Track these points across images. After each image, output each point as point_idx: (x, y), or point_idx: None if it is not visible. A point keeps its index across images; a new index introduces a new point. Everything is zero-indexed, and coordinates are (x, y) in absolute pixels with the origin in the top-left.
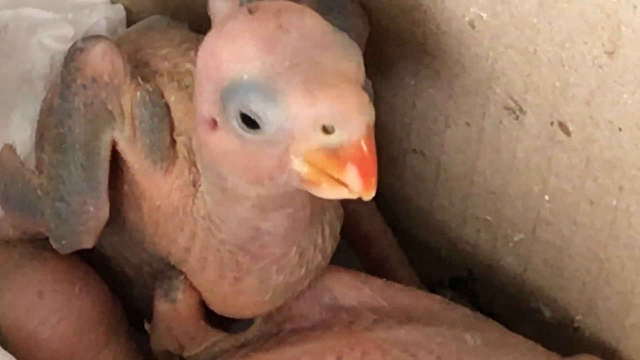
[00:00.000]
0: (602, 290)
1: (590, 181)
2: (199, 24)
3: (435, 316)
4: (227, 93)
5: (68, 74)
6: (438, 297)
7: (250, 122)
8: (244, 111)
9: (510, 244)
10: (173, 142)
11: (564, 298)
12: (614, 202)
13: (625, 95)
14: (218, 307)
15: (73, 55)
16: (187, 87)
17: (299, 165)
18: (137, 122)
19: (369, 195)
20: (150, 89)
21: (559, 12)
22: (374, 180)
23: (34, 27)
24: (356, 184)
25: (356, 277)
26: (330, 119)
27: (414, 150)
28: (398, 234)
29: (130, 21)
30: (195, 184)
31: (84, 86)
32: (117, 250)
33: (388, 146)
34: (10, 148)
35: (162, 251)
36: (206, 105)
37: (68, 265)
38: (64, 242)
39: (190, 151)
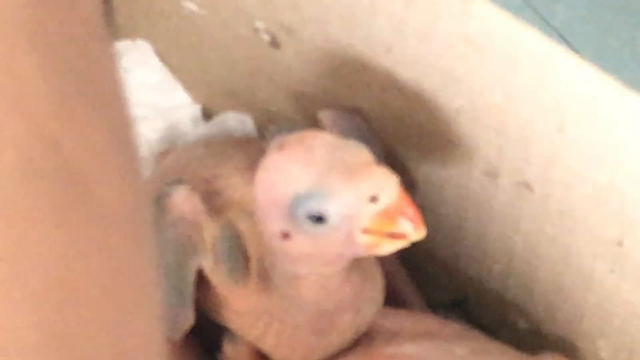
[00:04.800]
0: (561, 305)
1: (549, 225)
2: (264, 118)
3: (433, 333)
4: (294, 207)
5: (159, 212)
6: (434, 317)
7: (317, 220)
8: (311, 214)
9: (493, 273)
10: (247, 261)
11: (534, 312)
12: (566, 241)
13: (573, 163)
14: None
15: (162, 198)
16: (253, 214)
17: (362, 238)
18: (217, 253)
19: (421, 234)
20: (225, 224)
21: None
22: (421, 222)
23: (137, 121)
24: (410, 229)
25: None
26: (373, 191)
27: (420, 206)
28: (409, 267)
29: (207, 115)
30: (265, 292)
31: (172, 224)
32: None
33: None
34: None
35: (240, 333)
36: (275, 223)
37: None
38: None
39: (261, 266)
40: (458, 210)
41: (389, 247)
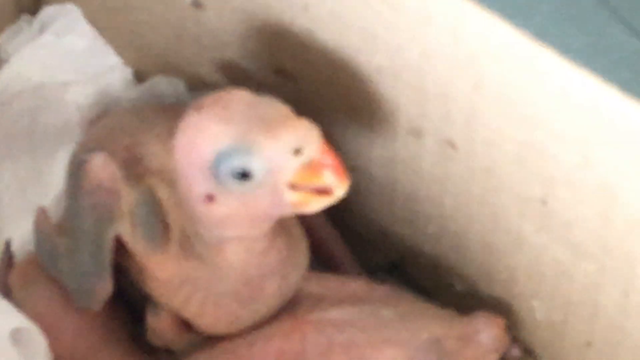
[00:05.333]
0: (494, 266)
1: (476, 185)
2: (195, 81)
3: (360, 297)
4: (216, 166)
5: (76, 180)
6: (362, 281)
7: (242, 177)
8: (235, 171)
9: (426, 235)
10: (166, 229)
11: (469, 274)
12: (492, 201)
13: (492, 120)
14: (199, 328)
15: (78, 166)
16: (173, 182)
17: (289, 195)
18: (135, 220)
19: (345, 186)
20: (144, 191)
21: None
22: (345, 174)
23: (66, 86)
24: (335, 181)
25: None
26: (296, 143)
27: (352, 168)
28: (345, 231)
29: (140, 80)
30: (187, 258)
31: (89, 192)
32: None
33: None
34: (44, 212)
35: (161, 301)
36: (198, 186)
37: None
38: (77, 300)
39: (182, 234)
40: (388, 171)
41: (316, 204)
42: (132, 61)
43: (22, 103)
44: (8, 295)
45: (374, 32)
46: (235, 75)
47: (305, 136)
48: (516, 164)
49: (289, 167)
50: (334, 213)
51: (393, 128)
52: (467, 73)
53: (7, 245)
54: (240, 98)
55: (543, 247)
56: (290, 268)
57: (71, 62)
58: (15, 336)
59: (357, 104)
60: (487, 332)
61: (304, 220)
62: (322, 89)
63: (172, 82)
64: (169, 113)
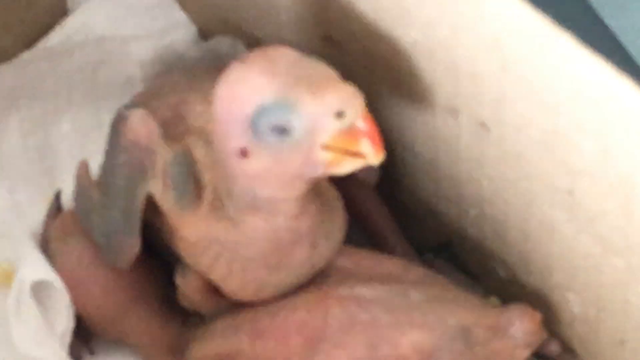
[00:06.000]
0: (531, 255)
1: (509, 169)
2: (253, 43)
3: (392, 277)
4: (256, 119)
5: (113, 136)
6: (397, 261)
7: (281, 132)
8: (276, 125)
9: (470, 218)
10: (199, 189)
11: (509, 261)
12: (526, 187)
13: (519, 104)
14: (226, 292)
15: (118, 121)
16: (212, 142)
17: (323, 154)
18: (167, 179)
19: (379, 157)
20: (180, 151)
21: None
22: (381, 145)
23: (129, 41)
24: (371, 151)
25: None
26: (339, 106)
27: (396, 142)
28: (394, 206)
29: (205, 38)
30: (217, 219)
31: (125, 148)
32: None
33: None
34: (85, 165)
35: (190, 262)
36: (234, 140)
37: None
38: (106, 257)
39: (215, 195)
40: (430, 149)
41: (349, 166)
42: (197, 19)
43: (83, 54)
44: (46, 245)
45: (406, 5)
46: (287, 41)
47: (348, 100)
48: (543, 151)
49: (329, 129)
50: (384, 188)
51: (431, 105)
52: (494, 53)
53: (57, 195)
54: (287, 54)
55: (574, 238)
56: (322, 238)
57: (137, 16)
58: (38, 288)
59: (397, 78)
60: (520, 325)
61: (351, 193)
62: (365, 60)
63: (233, 43)
64: (220, 74)
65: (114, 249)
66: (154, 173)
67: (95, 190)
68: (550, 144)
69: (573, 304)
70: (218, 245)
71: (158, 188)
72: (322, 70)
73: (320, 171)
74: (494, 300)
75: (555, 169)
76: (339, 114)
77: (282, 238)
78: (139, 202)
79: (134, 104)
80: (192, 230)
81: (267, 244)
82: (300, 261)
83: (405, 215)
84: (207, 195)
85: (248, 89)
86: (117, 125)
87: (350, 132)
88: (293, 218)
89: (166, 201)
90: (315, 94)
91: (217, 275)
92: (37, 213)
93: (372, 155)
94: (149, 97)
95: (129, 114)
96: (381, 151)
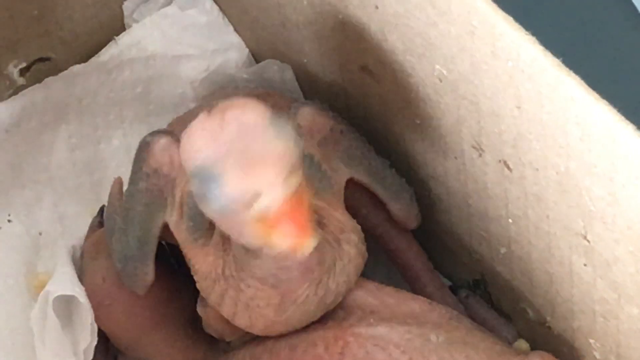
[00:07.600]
0: (555, 297)
1: (530, 210)
2: (300, 69)
3: (414, 316)
4: (191, 176)
5: (137, 161)
6: (422, 300)
7: (202, 199)
8: (196, 190)
9: (500, 256)
10: (213, 224)
11: (536, 302)
12: (546, 229)
13: (535, 144)
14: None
15: (142, 147)
16: None
17: (250, 230)
18: (184, 209)
19: (302, 244)
20: None
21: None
22: (307, 232)
23: (180, 60)
24: (284, 243)
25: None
26: (258, 188)
27: (430, 177)
28: (430, 240)
29: (255, 60)
30: (226, 253)
31: (147, 175)
32: None
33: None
34: (120, 183)
35: (203, 295)
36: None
37: None
38: (124, 281)
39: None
40: (460, 186)
41: (278, 246)
42: (248, 42)
43: (134, 71)
44: (81, 260)
45: (431, 38)
46: (329, 68)
47: (271, 187)
48: (559, 193)
49: (245, 213)
50: (422, 222)
51: (459, 141)
52: (510, 91)
53: (101, 210)
54: (243, 117)
55: (592, 283)
56: (329, 273)
57: (191, 36)
58: (67, 302)
59: (425, 112)
60: None
61: (385, 230)
62: (398, 90)
63: (282, 67)
64: (266, 98)
65: (128, 275)
66: (171, 202)
67: (120, 213)
68: (564, 185)
69: (595, 349)
70: (224, 282)
71: (174, 217)
72: (265, 147)
73: (257, 245)
74: (522, 343)
75: (571, 212)
76: (256, 196)
77: (280, 278)
78: (156, 230)
79: (166, 129)
80: (202, 263)
81: (267, 285)
82: (305, 299)
83: (442, 250)
84: (218, 230)
85: (191, 146)
86: (141, 151)
87: (266, 220)
88: (286, 259)
89: (181, 231)
90: (238, 174)
91: (225, 311)
92: (82, 226)
93: (285, 246)
94: (180, 121)
95: (152, 141)
96: (304, 238)
